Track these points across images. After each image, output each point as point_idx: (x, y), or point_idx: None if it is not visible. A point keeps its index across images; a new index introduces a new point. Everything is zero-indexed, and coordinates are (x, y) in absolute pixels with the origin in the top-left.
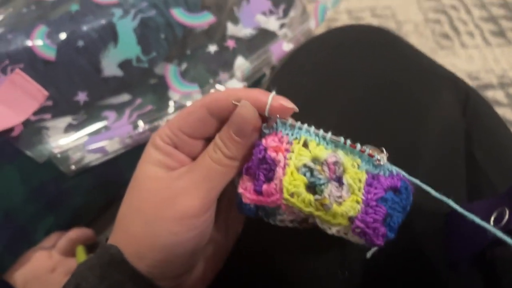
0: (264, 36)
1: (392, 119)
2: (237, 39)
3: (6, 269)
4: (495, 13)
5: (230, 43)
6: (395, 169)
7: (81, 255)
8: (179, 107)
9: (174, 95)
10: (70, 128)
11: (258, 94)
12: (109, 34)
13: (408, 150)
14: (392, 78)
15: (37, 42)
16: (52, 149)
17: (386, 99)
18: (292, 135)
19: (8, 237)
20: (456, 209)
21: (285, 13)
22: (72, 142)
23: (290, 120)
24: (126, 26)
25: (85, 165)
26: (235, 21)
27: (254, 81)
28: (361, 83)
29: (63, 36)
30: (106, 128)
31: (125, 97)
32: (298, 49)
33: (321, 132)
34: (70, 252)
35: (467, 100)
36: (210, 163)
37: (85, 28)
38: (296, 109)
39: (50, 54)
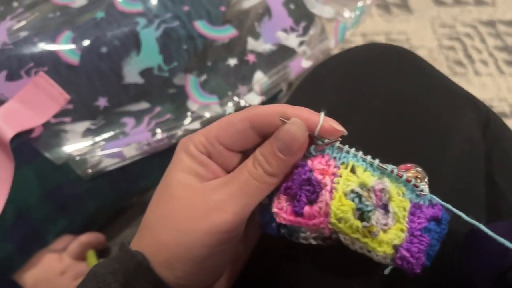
0: (284, 52)
1: (414, 136)
2: (257, 54)
3: (16, 269)
4: (510, 43)
5: (250, 58)
6: (434, 198)
7: (92, 259)
8: (197, 117)
9: (193, 106)
10: (88, 132)
11: (308, 113)
12: (132, 42)
13: (430, 168)
14: (415, 96)
15: (62, 46)
16: (70, 152)
17: (408, 116)
18: (339, 159)
19: (21, 237)
20: (486, 232)
21: (305, 31)
22: (90, 146)
23: (338, 143)
24: (150, 35)
25: (102, 169)
26: (256, 36)
27: (271, 96)
28: (383, 100)
29: (87, 42)
30: (124, 134)
31: (144, 105)
32: (318, 66)
33: (368, 158)
34: (80, 256)
35: (487, 122)
36: (248, 178)
37: (109, 35)
38: (346, 132)
39: (74, 59)
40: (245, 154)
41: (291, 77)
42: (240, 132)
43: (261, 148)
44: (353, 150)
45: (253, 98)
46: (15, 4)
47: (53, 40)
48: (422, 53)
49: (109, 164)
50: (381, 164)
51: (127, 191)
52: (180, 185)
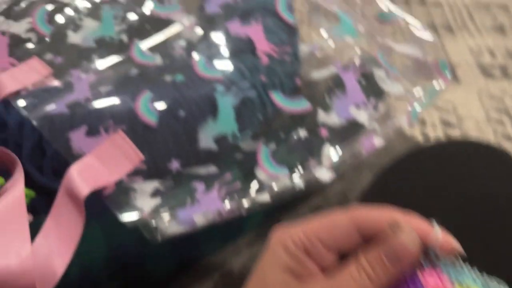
0: (355, 128)
1: (508, 246)
2: (328, 128)
3: None
4: None
5: (320, 130)
6: None
7: None
8: (265, 188)
9: (261, 174)
10: (157, 193)
11: (421, 223)
12: (209, 108)
13: None
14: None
15: (141, 106)
16: (139, 213)
17: (503, 225)
18: (453, 276)
19: None
20: None
21: (375, 107)
22: (159, 208)
23: (452, 258)
24: (227, 102)
25: (171, 234)
26: (327, 109)
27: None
28: (476, 204)
29: (165, 104)
30: (194, 200)
31: (212, 169)
32: (405, 156)
33: (484, 277)
34: None
35: None
36: (351, 284)
37: (187, 98)
38: (463, 253)
39: (151, 119)
40: (340, 252)
41: (362, 154)
42: (344, 233)
43: (366, 254)
44: (468, 267)
45: (323, 173)
46: (98, 59)
47: (132, 98)
48: (469, 124)
49: (179, 230)
50: (497, 285)
51: (187, 255)
52: (277, 284)
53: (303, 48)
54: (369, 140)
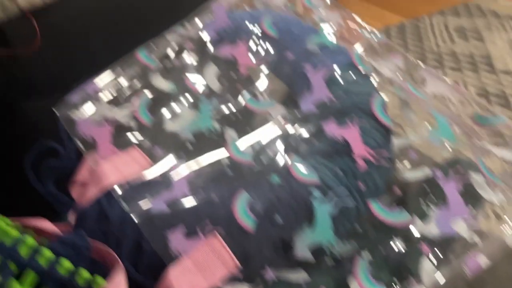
0: (455, 243)
1: None
2: (428, 242)
3: None
4: None
5: (420, 245)
6: None
7: None
8: None
9: None
10: None
11: None
12: (305, 214)
13: None
14: None
15: (239, 209)
16: None
17: None
18: None
19: None
20: None
21: (475, 217)
22: None
23: None
24: (324, 210)
25: None
26: (426, 219)
27: None
28: None
29: (262, 207)
30: None
31: (304, 276)
32: None
33: None
34: None
35: None
36: None
37: (283, 202)
38: None
39: (249, 224)
40: None
41: (466, 274)
42: None
43: None
44: None
45: None
46: (195, 153)
47: (229, 198)
48: None
49: None
50: None
51: None
52: None
53: (396, 144)
54: (472, 258)
